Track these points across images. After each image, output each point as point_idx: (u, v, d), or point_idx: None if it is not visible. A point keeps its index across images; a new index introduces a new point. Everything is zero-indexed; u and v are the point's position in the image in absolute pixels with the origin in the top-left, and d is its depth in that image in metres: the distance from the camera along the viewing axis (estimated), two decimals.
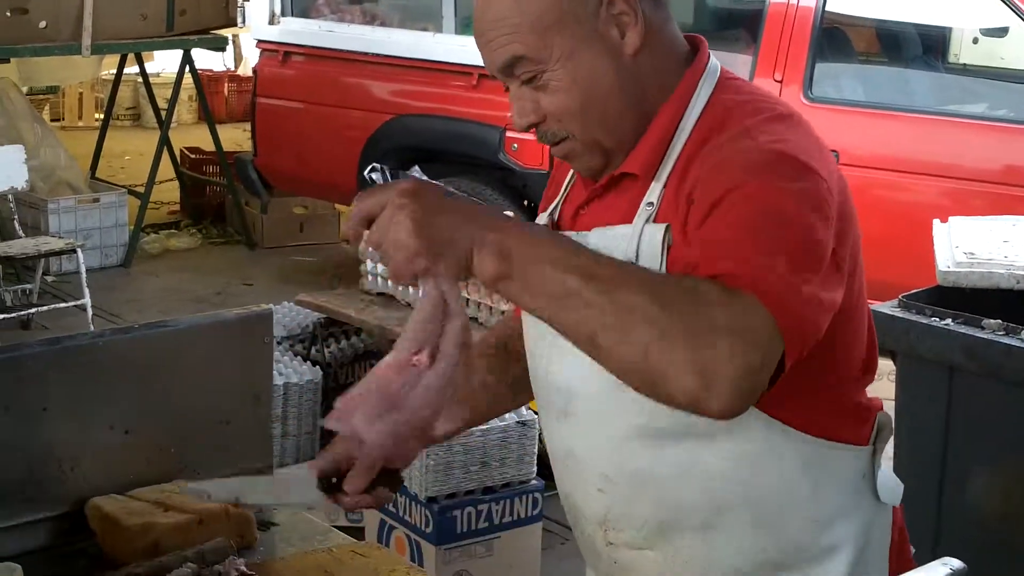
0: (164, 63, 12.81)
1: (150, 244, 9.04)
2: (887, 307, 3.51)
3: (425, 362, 1.67)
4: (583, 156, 1.84)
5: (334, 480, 1.85)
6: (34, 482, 2.34)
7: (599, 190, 1.87)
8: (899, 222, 5.70)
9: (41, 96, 12.94)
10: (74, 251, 7.14)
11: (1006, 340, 3.29)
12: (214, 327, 2.62)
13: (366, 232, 1.63)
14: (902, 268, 4.90)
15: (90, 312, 7.03)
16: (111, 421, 2.43)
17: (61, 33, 8.37)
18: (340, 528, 2.76)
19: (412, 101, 7.45)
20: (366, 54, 7.61)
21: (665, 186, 1.78)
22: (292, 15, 8.11)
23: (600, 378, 1.67)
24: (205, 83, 10.87)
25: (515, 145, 6.90)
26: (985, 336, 3.32)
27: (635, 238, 1.76)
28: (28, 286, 7.48)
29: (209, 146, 9.63)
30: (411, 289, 4.90)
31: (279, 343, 5.19)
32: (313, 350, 5.21)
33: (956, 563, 1.60)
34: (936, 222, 4.00)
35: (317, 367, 5.01)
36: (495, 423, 4.15)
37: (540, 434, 4.42)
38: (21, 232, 7.52)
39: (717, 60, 1.87)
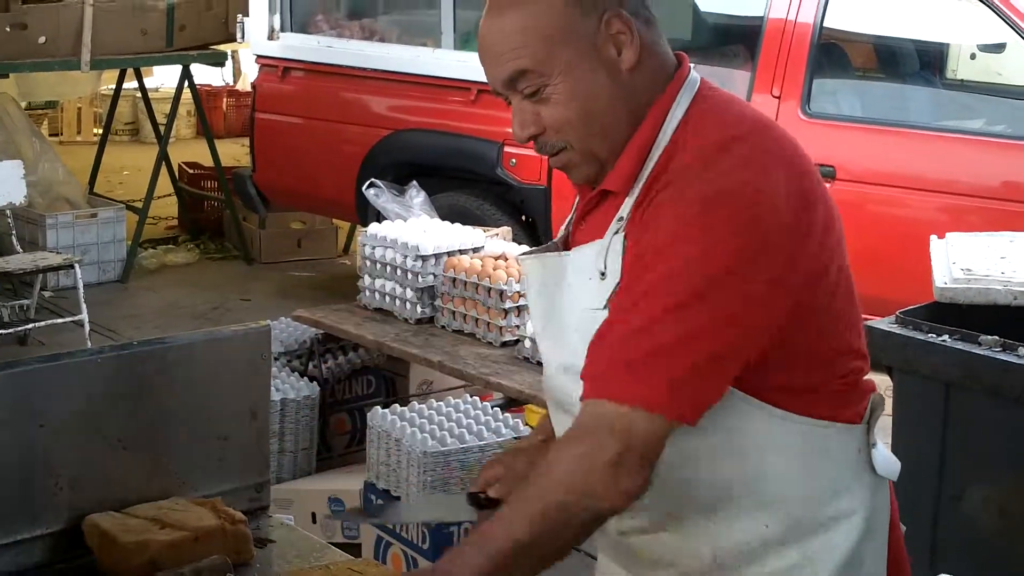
0: (163, 78, 12.82)
1: (148, 259, 9.03)
2: (884, 323, 3.52)
3: None
4: (580, 166, 1.96)
5: (483, 497, 2.17)
6: (31, 499, 2.34)
7: (589, 206, 2.00)
8: (896, 238, 5.70)
9: (40, 111, 12.93)
10: (72, 267, 7.14)
11: (1003, 356, 3.29)
12: (212, 343, 2.62)
13: None
14: (899, 284, 4.91)
15: (87, 328, 7.02)
16: (108, 437, 2.43)
17: (60, 48, 8.38)
18: (337, 545, 2.76)
19: (411, 116, 7.46)
20: (365, 69, 7.62)
21: (636, 201, 1.90)
22: (291, 31, 8.12)
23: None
24: (204, 98, 10.89)
25: (513, 160, 6.91)
26: (982, 352, 3.33)
27: (603, 251, 1.91)
28: (25, 301, 7.47)
29: (207, 161, 9.63)
30: (408, 306, 4.90)
31: (276, 359, 5.19)
32: (310, 366, 5.20)
33: None
34: (933, 238, 4.01)
35: (314, 383, 5.01)
36: (491, 439, 4.16)
37: None
38: (19, 247, 7.52)
39: (697, 75, 1.97)
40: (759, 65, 6.28)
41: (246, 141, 8.93)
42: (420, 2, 8.07)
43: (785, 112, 6.06)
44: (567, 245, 2.06)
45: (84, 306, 7.02)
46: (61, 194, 8.66)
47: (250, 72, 11.97)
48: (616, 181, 1.92)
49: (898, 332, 3.47)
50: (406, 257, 4.92)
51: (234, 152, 11.68)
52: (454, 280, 4.78)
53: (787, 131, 1.95)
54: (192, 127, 13.69)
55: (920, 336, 3.43)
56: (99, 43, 8.43)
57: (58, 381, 2.38)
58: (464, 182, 7.22)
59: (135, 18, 8.66)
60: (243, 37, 8.56)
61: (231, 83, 15.06)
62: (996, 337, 3.34)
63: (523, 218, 7.07)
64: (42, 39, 8.28)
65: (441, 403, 4.51)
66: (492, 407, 4.48)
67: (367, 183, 6.19)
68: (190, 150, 11.63)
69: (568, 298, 1.96)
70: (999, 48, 6.88)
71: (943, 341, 3.40)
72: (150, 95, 10.49)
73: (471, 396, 4.64)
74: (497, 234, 5.56)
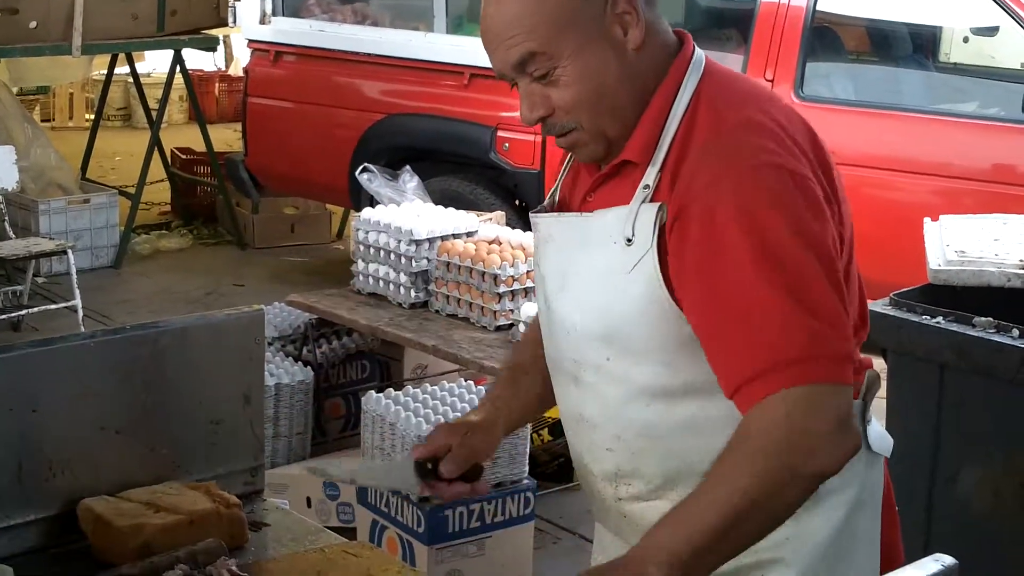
0: (155, 63, 12.79)
1: (141, 245, 9.02)
2: (878, 305, 3.52)
3: None
4: (588, 145, 1.98)
5: (430, 467, 2.15)
6: (25, 483, 2.34)
7: (604, 177, 2.01)
8: (890, 221, 5.71)
9: (31, 96, 12.91)
10: (65, 252, 7.12)
11: (996, 338, 3.29)
12: (205, 328, 2.61)
13: None
14: (893, 266, 4.91)
15: (80, 313, 7.02)
16: (102, 422, 2.42)
17: (51, 33, 8.36)
18: (332, 528, 2.76)
19: (403, 101, 7.45)
20: (357, 54, 7.61)
21: (661, 169, 1.91)
22: (283, 15, 8.10)
23: (603, 348, 1.96)
24: (196, 83, 10.87)
25: (506, 144, 6.90)
26: (976, 334, 3.33)
27: (631, 217, 1.92)
28: (18, 288, 7.45)
29: (200, 146, 9.61)
30: (402, 291, 4.89)
31: (270, 343, 5.19)
32: (304, 350, 5.20)
33: (948, 559, 1.60)
34: (927, 220, 4.01)
35: (308, 368, 5.01)
36: None
37: (531, 434, 4.43)
38: (12, 233, 7.50)
39: (702, 52, 2.01)
40: (752, 48, 6.27)
41: (238, 126, 8.91)
42: None
43: (778, 95, 6.06)
44: (561, 209, 2.09)
45: (77, 292, 7.01)
46: (53, 180, 8.64)
47: (242, 57, 11.94)
48: (635, 151, 1.94)
49: (892, 314, 3.48)
50: (400, 242, 4.92)
51: (226, 137, 11.66)
52: (448, 264, 4.78)
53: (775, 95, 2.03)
54: (184, 112, 13.66)
55: (914, 318, 3.43)
56: (90, 28, 8.40)
57: (51, 366, 2.37)
58: (457, 166, 7.21)
59: (126, 3, 8.63)
60: (235, 21, 8.55)
61: (223, 68, 15.03)
62: (990, 319, 3.34)
63: (516, 202, 7.06)
64: (33, 24, 8.25)
65: (435, 387, 4.51)
66: (486, 391, 4.48)
67: (360, 168, 6.19)
68: (182, 135, 11.61)
69: (590, 260, 1.97)
70: (992, 31, 6.88)
71: (937, 323, 3.40)
72: (142, 80, 10.47)
73: (465, 380, 4.64)
74: (491, 218, 5.56)
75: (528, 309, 4.46)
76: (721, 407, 1.87)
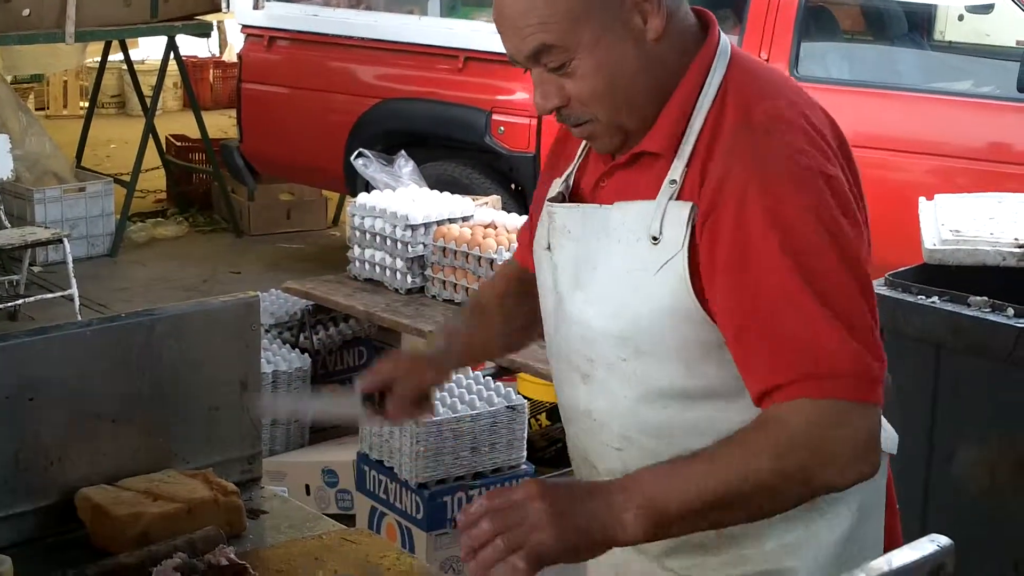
0: (148, 50, 12.76)
1: (136, 233, 9.02)
2: (874, 285, 3.51)
3: None
4: (604, 136, 1.92)
5: (377, 398, 2.14)
6: (22, 473, 2.34)
7: (620, 165, 1.94)
8: (886, 200, 5.68)
9: (26, 85, 12.88)
10: (60, 241, 7.12)
11: (992, 317, 3.29)
12: (201, 315, 2.61)
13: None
14: (888, 246, 4.89)
15: (77, 302, 7.01)
16: (99, 411, 2.43)
17: (44, 21, 8.34)
18: (330, 515, 2.76)
19: (398, 85, 7.44)
20: (351, 38, 7.59)
21: (688, 164, 1.85)
22: (277, 0, 8.09)
23: (619, 347, 1.89)
24: (190, 69, 10.83)
25: (502, 128, 6.89)
26: (971, 313, 3.33)
27: (659, 214, 1.85)
28: (15, 277, 7.45)
29: (194, 133, 9.60)
30: (399, 276, 4.89)
31: (267, 330, 5.19)
32: (301, 337, 5.20)
33: (943, 540, 1.60)
34: (922, 200, 4.01)
35: (305, 354, 5.01)
36: (484, 408, 4.15)
37: (528, 419, 4.43)
38: (7, 222, 7.50)
39: (727, 38, 1.94)
40: (747, 28, 6.26)
41: (233, 112, 8.91)
42: None
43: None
44: (575, 197, 2.02)
45: (74, 280, 7.01)
46: (49, 168, 8.63)
47: (236, 43, 11.91)
48: (658, 142, 1.88)
49: (887, 294, 3.47)
50: (395, 227, 4.92)
51: (221, 124, 11.64)
52: (444, 249, 4.78)
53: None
54: (179, 99, 13.64)
55: (909, 298, 3.43)
56: (83, 15, 8.39)
57: (48, 354, 2.37)
58: (452, 151, 7.21)
59: None
60: (228, 7, 8.53)
61: (217, 54, 15.01)
62: (985, 298, 3.34)
63: (512, 186, 7.06)
64: (26, 12, 8.23)
65: None
66: (484, 376, 4.49)
67: (355, 153, 6.18)
68: (177, 122, 11.59)
69: (609, 255, 1.90)
70: (987, 9, 6.87)
71: (932, 303, 3.40)
72: (136, 67, 10.46)
73: None
74: (486, 203, 5.56)
75: None
76: (740, 409, 1.82)
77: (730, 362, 1.82)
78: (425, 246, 4.89)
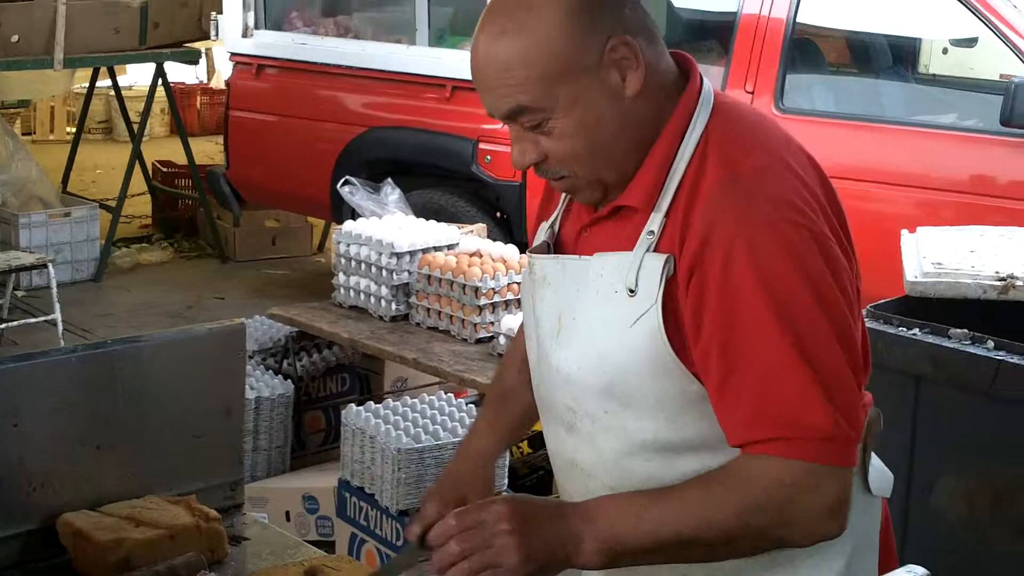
0: (136, 76, 12.79)
1: (121, 258, 9.01)
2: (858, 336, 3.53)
3: None
4: (584, 191, 1.90)
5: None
6: (5, 498, 2.34)
7: (601, 217, 1.92)
8: (869, 232, 5.68)
9: (12, 110, 12.88)
10: (45, 266, 7.11)
11: (972, 349, 3.31)
12: (187, 342, 2.63)
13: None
14: (870, 278, 4.90)
15: (61, 327, 7.00)
16: (82, 437, 2.43)
17: (33, 47, 8.36)
18: (311, 542, 2.77)
19: (385, 113, 7.46)
20: (339, 67, 7.62)
21: (666, 216, 1.83)
22: (265, 28, 8.11)
23: (602, 399, 1.88)
24: (177, 96, 10.85)
25: (488, 157, 6.92)
26: (952, 346, 3.35)
27: (635, 265, 1.83)
28: None
29: (181, 159, 9.60)
30: (383, 303, 4.90)
31: (251, 356, 5.19)
32: (285, 364, 5.20)
33: (920, 570, 1.61)
34: (904, 232, 4.03)
35: (289, 380, 5.01)
36: (465, 436, 4.14)
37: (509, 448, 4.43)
38: None
39: (709, 84, 1.91)
40: (733, 60, 6.30)
41: (220, 139, 8.92)
42: None
43: (759, 107, 6.08)
44: (558, 245, 2.01)
45: (57, 305, 7.00)
46: (34, 193, 8.62)
47: (224, 70, 11.94)
48: (636, 197, 1.86)
49: (869, 326, 3.47)
50: (381, 254, 4.93)
51: (208, 150, 11.66)
52: (429, 277, 4.79)
53: (791, 136, 1.94)
54: (166, 125, 13.65)
55: (891, 330, 3.45)
56: (72, 41, 8.41)
57: (32, 380, 2.38)
58: (439, 179, 7.23)
59: (108, 16, 8.63)
60: (217, 35, 8.54)
61: (204, 81, 15.03)
62: (966, 331, 3.36)
63: (498, 215, 7.08)
64: (15, 38, 8.25)
65: (416, 400, 4.52)
66: (467, 404, 4.49)
67: (342, 180, 6.19)
68: (163, 148, 11.60)
69: (588, 307, 1.89)
70: (971, 42, 6.91)
71: (913, 334, 3.42)
72: (123, 93, 10.47)
73: (446, 393, 4.65)
74: (472, 231, 5.57)
75: (509, 322, 4.47)
76: (725, 461, 1.82)
77: (712, 415, 1.82)
78: (410, 274, 4.90)
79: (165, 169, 10.05)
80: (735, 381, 1.77)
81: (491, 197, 7.08)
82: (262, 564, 2.40)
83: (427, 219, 5.42)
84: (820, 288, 1.76)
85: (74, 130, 10.95)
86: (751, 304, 1.75)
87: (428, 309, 4.81)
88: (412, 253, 4.93)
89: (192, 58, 9.57)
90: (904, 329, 3.45)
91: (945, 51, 7.46)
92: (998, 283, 3.49)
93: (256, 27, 8.09)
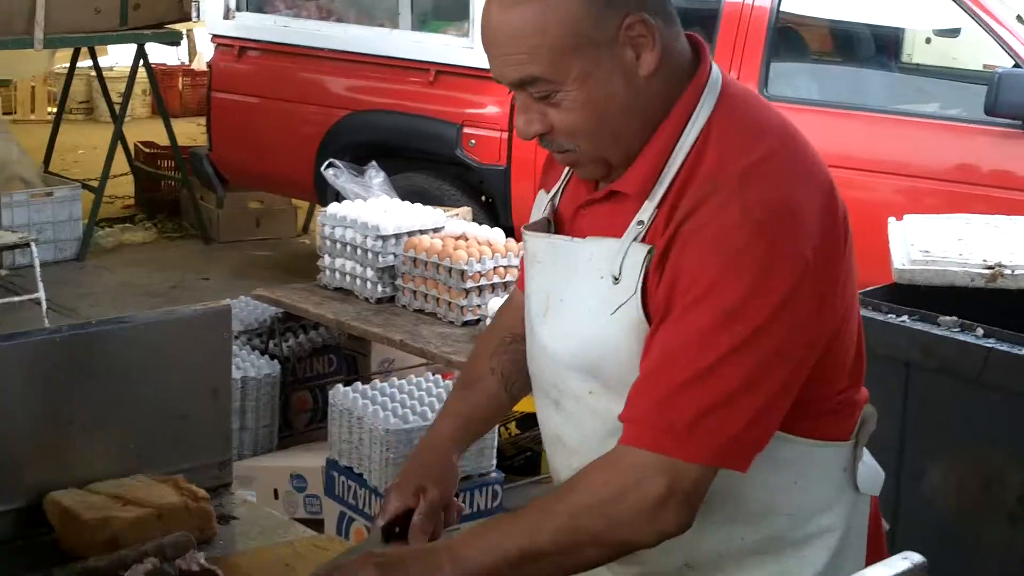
0: (117, 57, 12.72)
1: (104, 238, 8.97)
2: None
3: None
4: (587, 167, 1.89)
5: (396, 531, 2.10)
6: None
7: (598, 199, 1.91)
8: (854, 220, 5.69)
9: None
10: (28, 245, 7.08)
11: (961, 337, 3.32)
12: (173, 323, 2.61)
13: None
14: (858, 266, 4.94)
15: (44, 306, 6.97)
16: (69, 416, 2.42)
17: (13, 26, 8.29)
18: (299, 520, 2.76)
19: (369, 97, 7.44)
20: (322, 49, 7.59)
21: (658, 207, 1.81)
22: (247, 10, 8.08)
23: (585, 381, 1.88)
24: (159, 77, 10.80)
25: (472, 141, 6.90)
26: (940, 333, 3.36)
27: (621, 253, 1.82)
28: None
29: (163, 140, 9.56)
30: (369, 285, 4.89)
31: (237, 337, 5.17)
32: (271, 344, 5.19)
33: (917, 557, 1.61)
34: (891, 220, 4.04)
35: (275, 361, 5.00)
36: None
37: (498, 427, 4.43)
38: None
39: (718, 70, 1.88)
40: (716, 49, 6.30)
41: (202, 120, 8.88)
42: None
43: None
44: (557, 220, 1.99)
45: (41, 284, 6.96)
46: (16, 173, 8.58)
47: (205, 51, 11.88)
48: (632, 184, 1.84)
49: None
50: (366, 237, 4.91)
51: (190, 131, 11.61)
52: (415, 260, 4.78)
53: (800, 131, 1.89)
54: (147, 106, 13.58)
55: (880, 317, 3.45)
56: (52, 21, 8.34)
57: (17, 360, 2.36)
58: (423, 163, 7.21)
59: None
60: (199, 16, 8.50)
61: (186, 62, 14.97)
62: (954, 318, 3.37)
63: (482, 198, 7.07)
64: None
65: (403, 381, 4.51)
66: (453, 385, 4.48)
67: (326, 163, 6.18)
68: (145, 129, 11.54)
69: (575, 289, 1.89)
70: (954, 32, 6.94)
71: (902, 322, 3.43)
72: (104, 74, 10.41)
73: (433, 375, 4.65)
74: (457, 214, 5.56)
75: (495, 304, 4.46)
76: None
77: None
78: (396, 256, 4.89)
79: (148, 150, 10.00)
80: (647, 366, 1.77)
81: (475, 181, 7.07)
82: (251, 543, 2.40)
83: (412, 202, 5.40)
84: (771, 315, 1.71)
85: (55, 110, 10.89)
86: (698, 306, 1.73)
87: (415, 292, 4.79)
88: (398, 236, 4.91)
89: (173, 39, 9.51)
90: (893, 316, 3.45)
91: (928, 41, 7.49)
92: (986, 271, 3.50)
93: (238, 9, 8.05)
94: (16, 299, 7.13)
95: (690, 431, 1.72)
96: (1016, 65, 5.74)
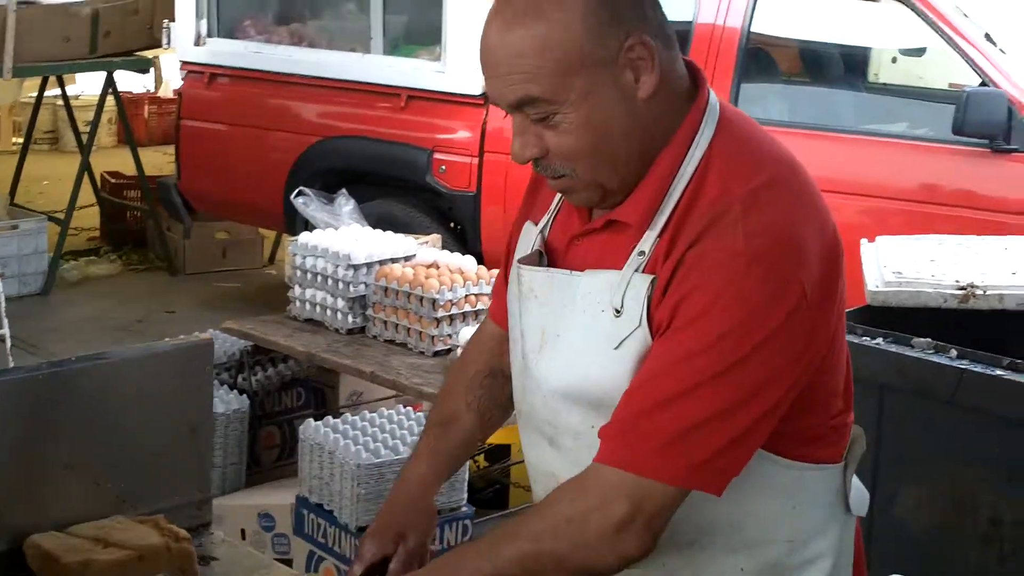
0: (84, 85, 12.65)
1: (70, 271, 8.88)
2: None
3: None
4: (582, 192, 1.86)
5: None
6: None
7: (595, 229, 1.89)
8: None
9: None
10: None
11: (935, 358, 3.34)
12: (153, 359, 2.60)
13: None
14: None
15: (8, 342, 6.88)
16: (47, 456, 2.40)
17: None
18: None
19: (340, 123, 7.42)
20: (293, 75, 7.57)
21: (659, 236, 1.80)
22: (219, 36, 8.05)
23: (586, 415, 1.85)
24: (126, 105, 10.76)
25: (443, 167, 6.90)
26: (914, 354, 3.37)
27: (622, 285, 1.81)
28: None
29: (129, 170, 9.51)
30: (339, 316, 4.87)
31: None
32: (240, 378, 5.15)
33: None
34: (864, 242, 4.05)
35: (244, 395, 4.95)
36: None
37: (468, 462, 4.41)
38: None
39: (716, 96, 1.88)
40: None
41: (168, 149, 8.84)
42: (349, 7, 8.04)
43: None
44: (548, 252, 1.97)
45: (5, 320, 6.88)
46: None
47: (172, 79, 11.83)
48: (633, 214, 1.83)
49: None
50: (337, 266, 4.89)
51: (156, 161, 11.55)
52: (386, 289, 4.76)
53: (796, 158, 1.89)
54: (114, 135, 13.51)
55: (854, 339, 3.46)
56: (22, 50, 8.30)
57: None
58: (393, 189, 7.20)
59: (59, 25, 8.53)
60: (169, 43, 8.47)
61: (152, 90, 14.90)
62: (928, 339, 3.38)
63: (452, 225, 7.06)
64: None
65: (374, 414, 4.48)
66: (425, 417, 4.46)
67: (296, 191, 6.16)
68: (111, 159, 11.48)
69: (575, 324, 1.86)
70: (920, 52, 6.98)
71: (876, 344, 3.44)
72: (71, 103, 10.35)
73: (404, 407, 4.62)
74: (427, 241, 5.55)
75: (466, 334, 4.45)
76: None
77: None
78: (367, 286, 4.87)
79: (114, 180, 9.94)
80: (643, 384, 1.77)
81: (445, 207, 7.05)
82: None
83: (383, 229, 5.39)
84: (766, 337, 1.72)
85: (21, 140, 10.82)
86: (694, 325, 1.73)
87: (385, 322, 4.78)
88: (369, 265, 4.90)
89: (143, 66, 9.47)
90: (868, 338, 3.46)
91: (894, 60, 7.53)
92: (958, 292, 3.52)
93: (209, 35, 8.02)
94: None
95: (663, 450, 1.72)
96: (983, 83, 5.78)
